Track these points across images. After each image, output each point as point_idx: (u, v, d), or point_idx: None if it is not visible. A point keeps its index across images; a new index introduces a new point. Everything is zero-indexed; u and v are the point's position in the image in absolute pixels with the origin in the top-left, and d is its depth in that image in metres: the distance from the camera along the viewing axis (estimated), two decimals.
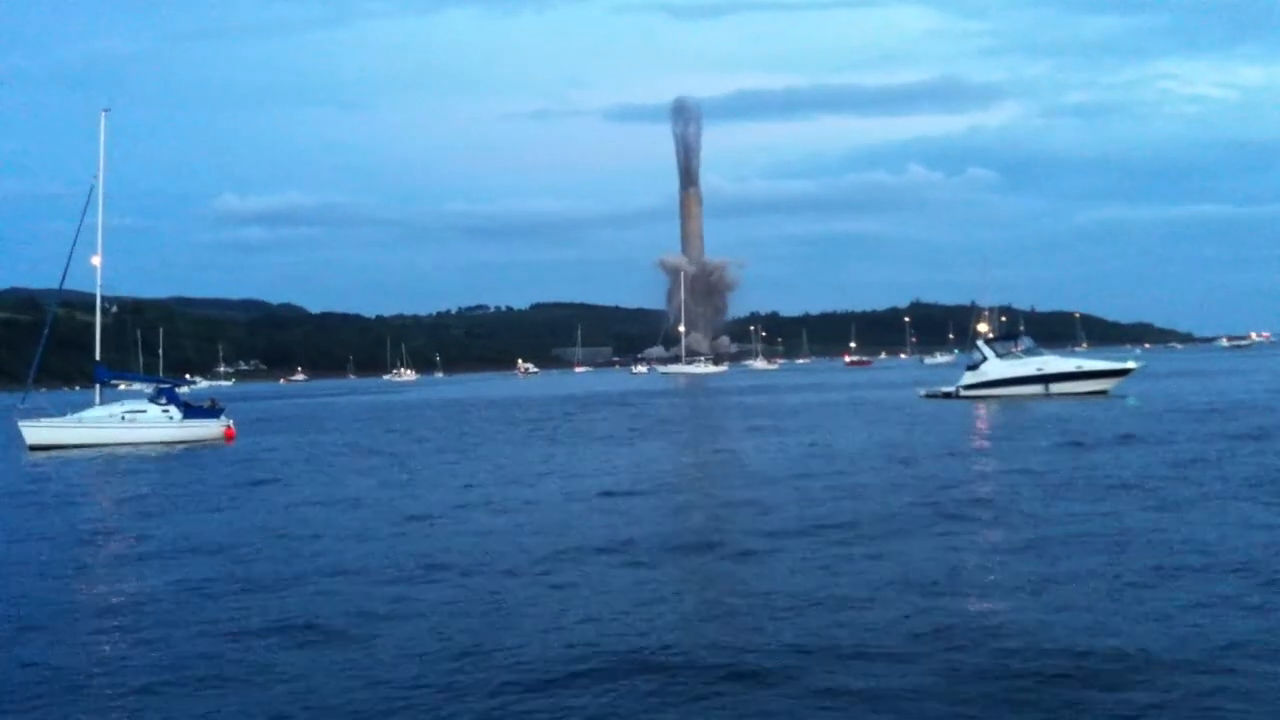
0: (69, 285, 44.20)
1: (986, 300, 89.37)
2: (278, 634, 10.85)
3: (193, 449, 39.00)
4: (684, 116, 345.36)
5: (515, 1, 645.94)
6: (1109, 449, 26.85)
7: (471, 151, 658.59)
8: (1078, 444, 28.27)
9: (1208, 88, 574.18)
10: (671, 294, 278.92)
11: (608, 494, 21.57)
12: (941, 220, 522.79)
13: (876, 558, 13.80)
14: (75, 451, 38.68)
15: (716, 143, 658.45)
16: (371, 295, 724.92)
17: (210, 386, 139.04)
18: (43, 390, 44.83)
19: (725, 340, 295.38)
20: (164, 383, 47.48)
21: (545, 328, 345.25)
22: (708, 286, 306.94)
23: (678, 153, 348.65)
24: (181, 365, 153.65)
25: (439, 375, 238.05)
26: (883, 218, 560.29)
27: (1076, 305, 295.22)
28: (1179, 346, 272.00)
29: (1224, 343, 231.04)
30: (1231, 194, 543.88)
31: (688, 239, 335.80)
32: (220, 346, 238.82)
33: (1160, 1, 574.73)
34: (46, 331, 43.53)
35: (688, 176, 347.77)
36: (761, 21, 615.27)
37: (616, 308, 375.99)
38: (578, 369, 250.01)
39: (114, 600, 13.02)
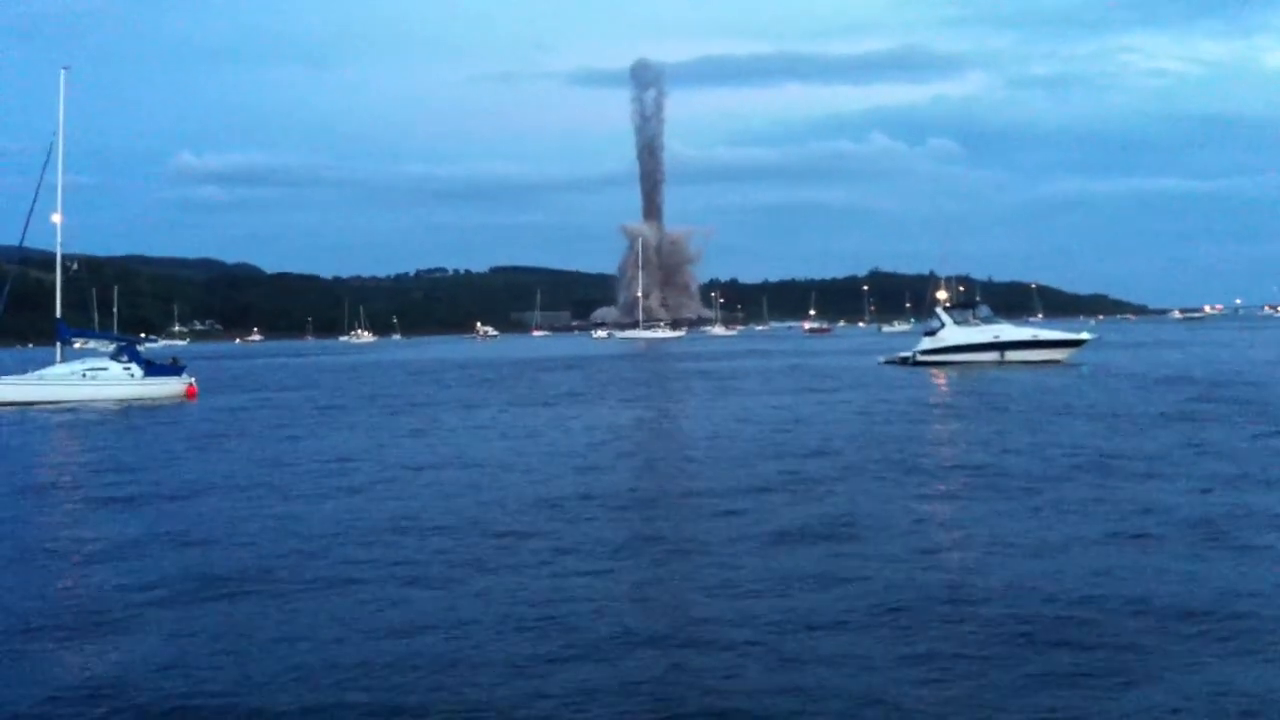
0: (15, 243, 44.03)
1: (945, 270, 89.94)
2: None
3: (155, 406, 39.14)
4: (644, 81, 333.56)
5: None
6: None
7: (433, 113, 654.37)
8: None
9: (1169, 61, 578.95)
10: (627, 259, 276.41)
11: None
12: (903, 190, 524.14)
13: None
14: (37, 408, 38.66)
15: (681, 109, 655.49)
16: (329, 256, 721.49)
17: (166, 346, 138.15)
18: None
19: (696, 304, 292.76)
20: (125, 340, 47.39)
21: (505, 291, 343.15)
22: (667, 262, 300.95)
23: (635, 121, 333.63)
24: (137, 324, 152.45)
25: (397, 338, 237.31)
26: (845, 187, 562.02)
27: (1034, 276, 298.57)
28: (1132, 318, 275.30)
29: (1176, 315, 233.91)
30: (1189, 168, 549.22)
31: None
32: (176, 306, 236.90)
33: None
34: (8, 288, 43.37)
35: (651, 207, 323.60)
36: None
37: (577, 273, 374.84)
38: (535, 333, 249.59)
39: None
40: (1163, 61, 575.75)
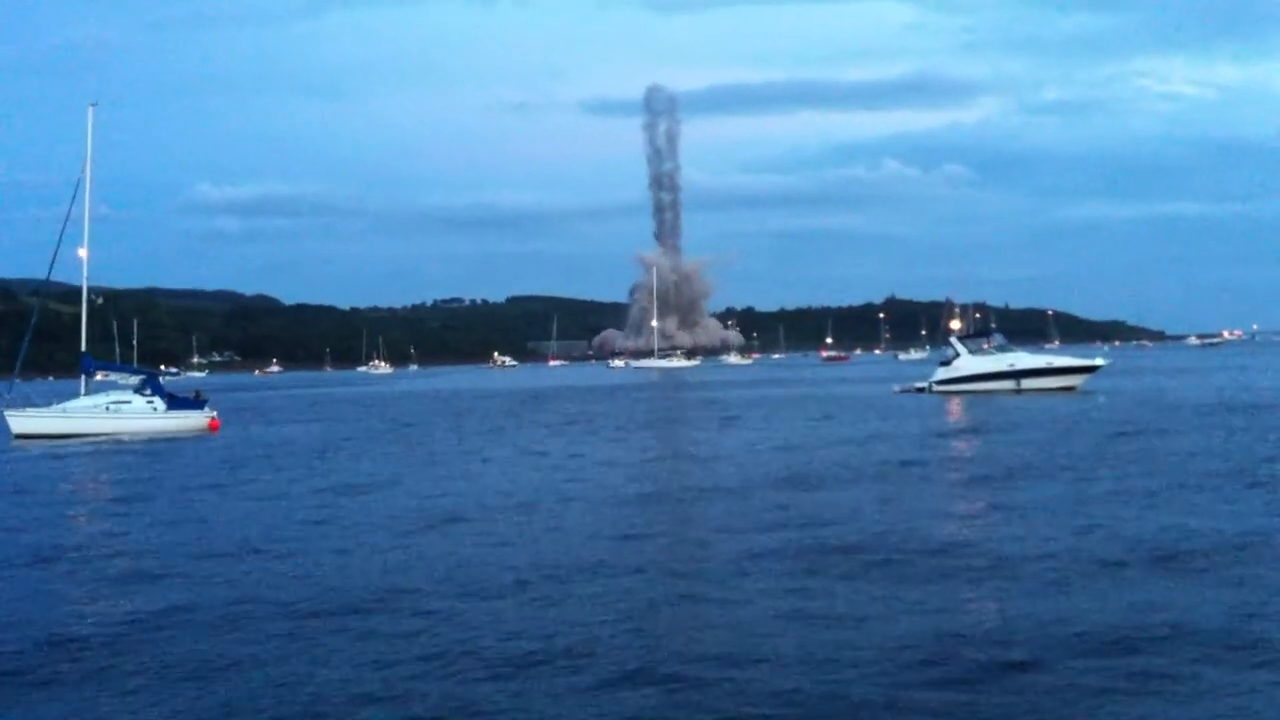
0: (38, 275, 44.75)
1: (961, 297, 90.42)
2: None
3: (177, 439, 39.54)
4: (657, 108, 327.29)
5: None
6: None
7: (449, 143, 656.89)
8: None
9: (1184, 86, 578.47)
10: (640, 288, 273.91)
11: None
12: (918, 216, 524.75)
13: None
14: (60, 441, 39.09)
15: (695, 136, 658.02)
16: (346, 287, 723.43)
17: (186, 378, 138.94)
18: (17, 380, 45.09)
19: (714, 331, 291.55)
20: (149, 374, 47.82)
21: (521, 320, 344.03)
22: (682, 293, 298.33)
23: (648, 150, 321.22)
24: (157, 356, 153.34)
25: (414, 368, 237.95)
26: (859, 213, 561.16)
27: (1050, 302, 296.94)
28: (1149, 344, 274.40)
29: (1193, 340, 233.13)
30: (1206, 192, 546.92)
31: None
32: (195, 337, 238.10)
33: None
34: (35, 321, 43.98)
35: (665, 234, 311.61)
36: (740, 15, 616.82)
37: (593, 301, 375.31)
38: (551, 362, 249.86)
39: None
40: (1178, 85, 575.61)
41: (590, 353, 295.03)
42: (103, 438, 39.82)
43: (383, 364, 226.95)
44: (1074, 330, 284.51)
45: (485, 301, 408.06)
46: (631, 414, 50.27)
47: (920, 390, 55.88)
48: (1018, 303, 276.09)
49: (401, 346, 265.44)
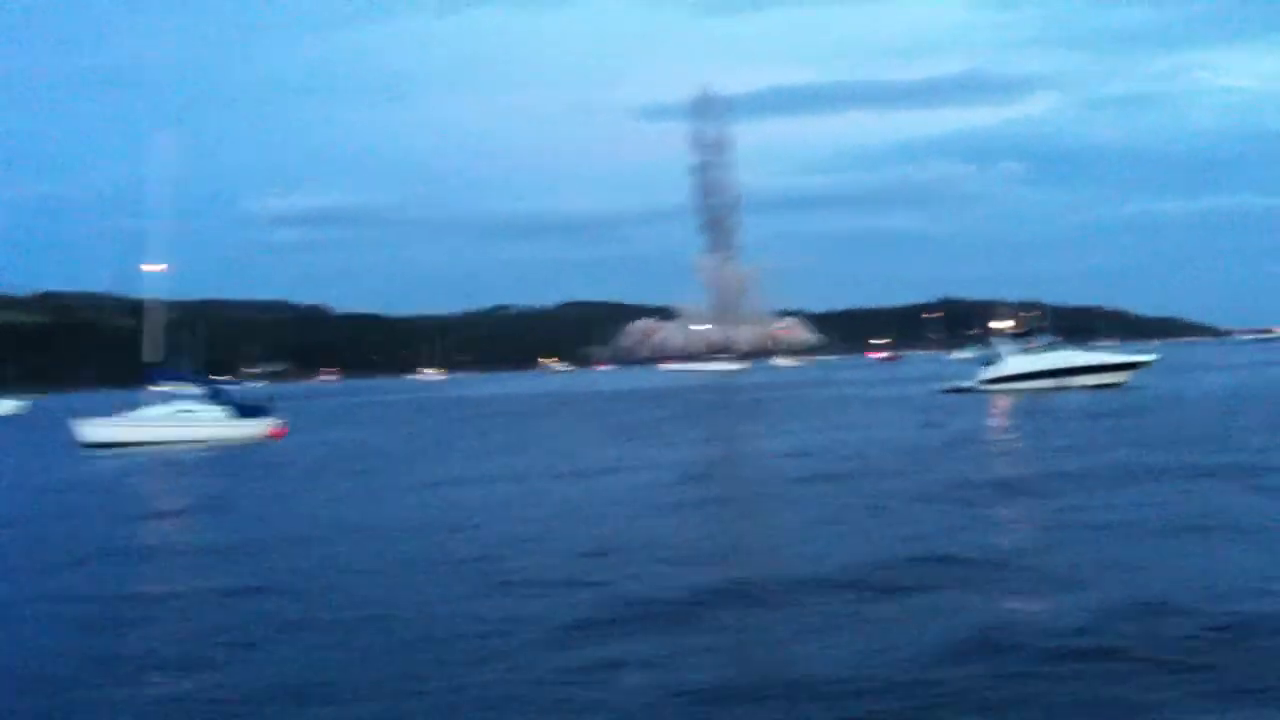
0: (101, 288, 46.42)
1: (1012, 295, 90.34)
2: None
3: (245, 446, 40.73)
4: (706, 113, 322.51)
5: None
6: None
7: (500, 149, 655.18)
8: None
9: (1244, 78, 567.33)
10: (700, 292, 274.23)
11: None
12: (973, 214, 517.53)
13: None
14: (132, 449, 40.34)
15: (746, 138, 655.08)
16: (398, 294, 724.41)
17: (245, 388, 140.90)
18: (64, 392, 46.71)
19: (769, 331, 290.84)
20: (214, 382, 49.07)
21: (574, 326, 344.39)
22: (738, 293, 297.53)
23: (697, 157, 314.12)
24: (214, 366, 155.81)
25: (465, 374, 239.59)
26: (915, 212, 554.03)
27: (1105, 299, 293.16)
28: (1201, 340, 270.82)
29: (1243, 336, 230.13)
30: (1267, 184, 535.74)
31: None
32: (250, 347, 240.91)
33: None
34: (104, 333, 45.68)
35: (718, 239, 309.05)
36: (791, 16, 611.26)
37: (645, 305, 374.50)
38: (599, 367, 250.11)
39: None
40: (1238, 78, 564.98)
41: (645, 356, 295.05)
42: (173, 445, 40.90)
43: (435, 370, 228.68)
44: (1129, 327, 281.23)
45: (537, 307, 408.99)
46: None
47: (967, 390, 56.22)
48: (1073, 300, 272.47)
49: (455, 353, 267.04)
